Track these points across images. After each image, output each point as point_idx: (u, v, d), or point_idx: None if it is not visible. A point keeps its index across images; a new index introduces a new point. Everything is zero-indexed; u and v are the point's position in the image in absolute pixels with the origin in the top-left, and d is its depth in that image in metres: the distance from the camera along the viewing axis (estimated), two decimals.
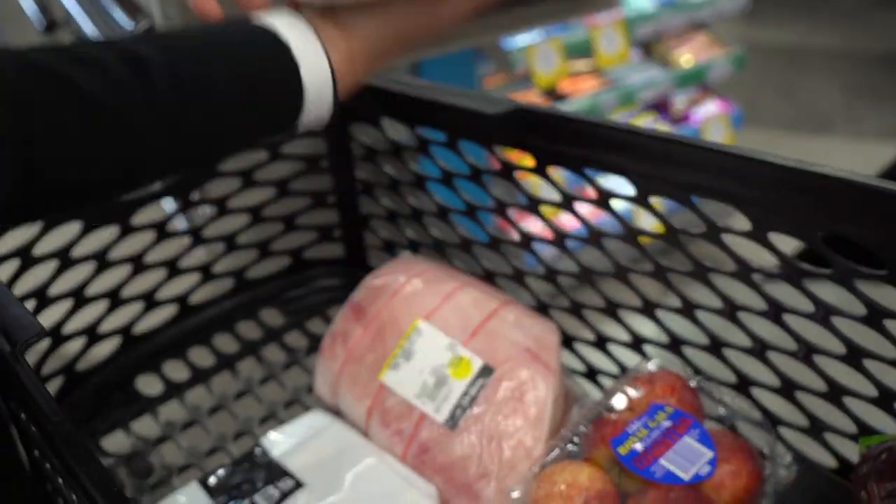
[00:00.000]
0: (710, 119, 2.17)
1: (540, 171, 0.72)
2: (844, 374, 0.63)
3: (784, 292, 0.63)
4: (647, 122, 2.15)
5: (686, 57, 2.14)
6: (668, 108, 2.20)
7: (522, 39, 1.85)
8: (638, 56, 2.18)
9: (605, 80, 2.08)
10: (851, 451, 0.63)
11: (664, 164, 0.64)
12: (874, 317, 0.59)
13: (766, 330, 0.66)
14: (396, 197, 0.87)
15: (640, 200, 0.67)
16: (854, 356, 0.61)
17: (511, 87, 2.04)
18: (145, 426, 0.77)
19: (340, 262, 0.94)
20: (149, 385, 0.81)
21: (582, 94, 2.03)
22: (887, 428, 0.61)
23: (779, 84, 2.85)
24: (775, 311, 0.64)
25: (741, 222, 0.62)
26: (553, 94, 2.07)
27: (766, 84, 2.82)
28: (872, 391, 0.62)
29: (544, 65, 1.90)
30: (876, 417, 0.62)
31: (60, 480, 0.50)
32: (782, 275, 0.62)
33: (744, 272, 0.64)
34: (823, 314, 0.61)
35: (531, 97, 2.04)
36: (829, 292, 0.61)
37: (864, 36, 3.11)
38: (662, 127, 2.14)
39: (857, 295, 0.59)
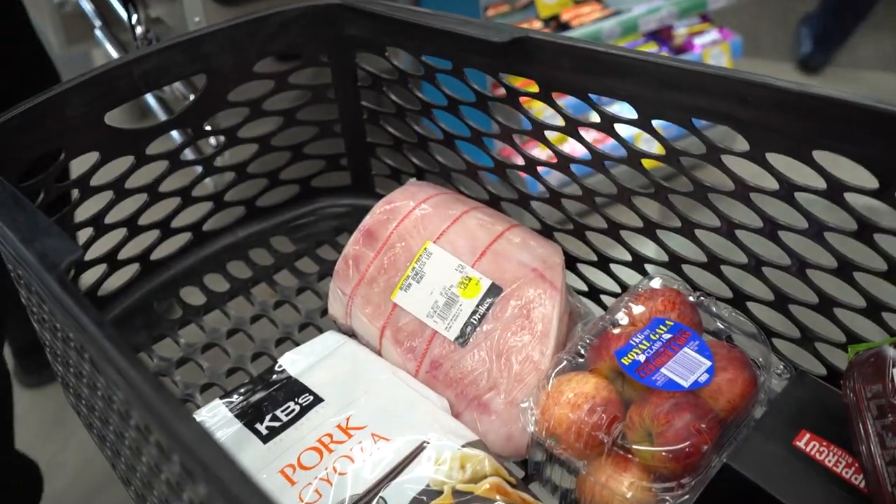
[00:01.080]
0: (710, 47, 2.18)
1: (545, 97, 0.74)
2: (835, 287, 0.66)
3: (779, 210, 0.66)
4: (649, 51, 2.15)
5: None
6: (669, 37, 2.20)
7: None
8: None
9: (607, 9, 2.08)
10: (840, 360, 0.67)
11: (666, 87, 0.66)
12: (864, 231, 0.62)
13: (761, 247, 0.70)
14: (402, 125, 0.89)
15: (643, 124, 0.69)
16: (844, 269, 0.65)
17: (513, 16, 2.04)
18: (167, 349, 0.81)
19: (348, 190, 0.96)
20: (167, 310, 0.84)
21: (584, 23, 2.03)
22: (875, 336, 0.64)
23: (777, 13, 2.84)
24: (771, 229, 0.67)
25: (740, 144, 0.64)
26: (555, 22, 2.06)
27: (765, 14, 2.81)
28: (861, 302, 0.65)
29: None
30: (864, 327, 0.66)
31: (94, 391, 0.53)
32: (778, 193, 0.65)
33: (741, 192, 0.67)
34: (817, 230, 0.64)
35: (533, 26, 2.03)
36: (822, 209, 0.64)
37: None
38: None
39: (848, 211, 0.62)
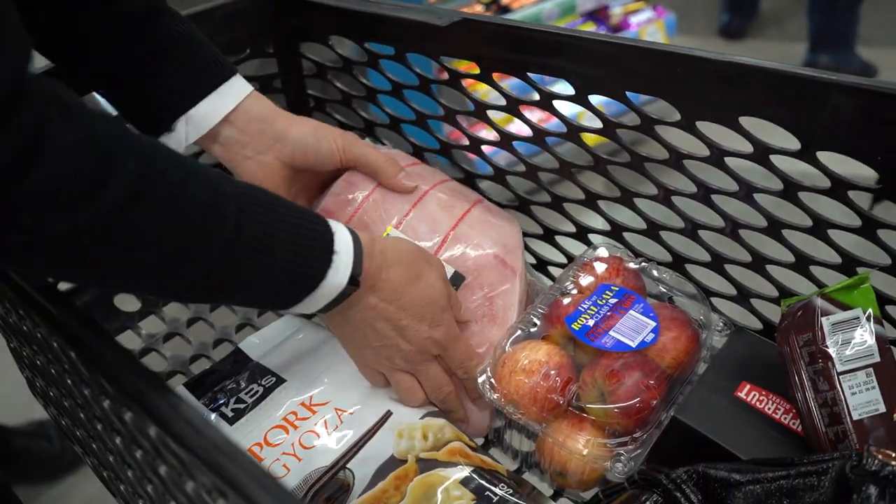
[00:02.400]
0: (645, 25, 2.23)
1: (485, 78, 0.77)
2: (766, 245, 0.71)
3: (710, 175, 0.70)
4: (587, 30, 2.20)
5: None
6: (606, 16, 2.25)
7: None
8: None
9: None
10: (775, 314, 0.71)
11: (599, 63, 0.69)
12: (790, 190, 0.66)
13: (696, 211, 0.73)
14: (349, 111, 0.91)
15: (580, 99, 0.72)
16: (773, 228, 0.69)
17: (456, 1, 2.07)
18: (128, 340, 0.82)
19: None
20: (127, 303, 0.85)
21: (524, 5, 2.07)
22: (804, 290, 0.69)
23: None
24: (704, 193, 0.71)
25: (672, 114, 0.68)
26: (496, 6, 2.10)
27: None
28: (790, 258, 0.69)
29: None
30: (794, 281, 0.70)
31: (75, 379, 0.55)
32: (709, 158, 0.69)
33: (675, 160, 0.70)
34: (746, 192, 0.68)
35: (475, 10, 2.06)
36: (750, 170, 0.68)
37: None
38: None
39: (774, 171, 0.66)
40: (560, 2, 2.10)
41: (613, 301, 0.71)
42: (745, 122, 0.64)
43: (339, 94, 0.89)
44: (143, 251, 0.47)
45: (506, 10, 2.10)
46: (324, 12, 0.83)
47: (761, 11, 2.82)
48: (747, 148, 0.65)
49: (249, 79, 0.88)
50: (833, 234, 0.66)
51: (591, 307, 0.70)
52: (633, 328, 0.68)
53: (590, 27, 2.24)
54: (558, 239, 0.83)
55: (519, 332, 0.71)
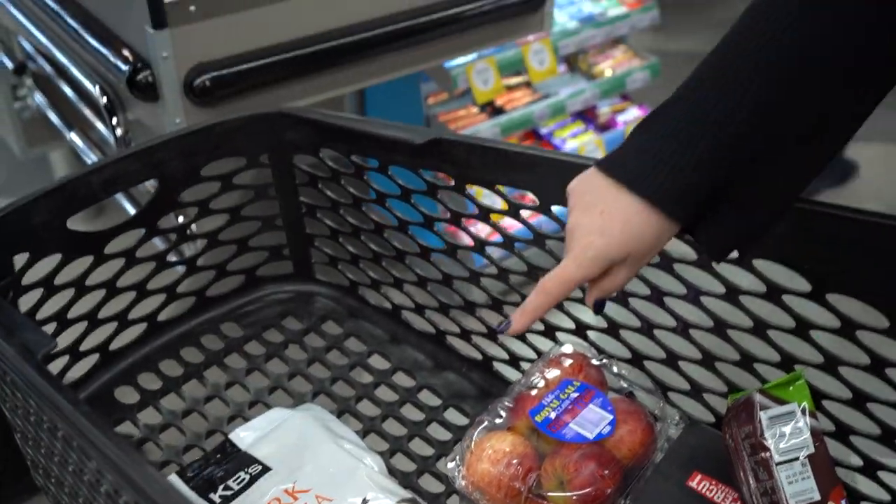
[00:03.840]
0: (632, 124, 2.34)
1: (459, 188, 0.85)
2: (715, 344, 0.77)
3: (662, 279, 0.77)
4: (576, 129, 2.31)
5: (607, 69, 2.30)
6: (594, 116, 2.36)
7: (461, 59, 1.98)
8: (565, 70, 2.34)
9: (537, 93, 2.24)
10: (724, 407, 0.77)
11: (560, 178, 0.77)
12: (731, 294, 0.73)
13: (651, 311, 0.80)
14: (338, 217, 0.98)
15: (544, 210, 0.80)
16: (720, 328, 0.75)
17: (452, 103, 2.18)
18: (126, 430, 0.88)
19: (290, 278, 1.05)
20: (126, 395, 0.91)
21: (517, 107, 2.18)
22: (748, 384, 0.75)
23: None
24: (657, 296, 0.78)
25: None
26: (491, 107, 2.21)
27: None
28: (736, 356, 0.76)
29: (482, 82, 2.03)
30: (740, 377, 0.76)
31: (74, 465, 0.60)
32: (660, 264, 0.76)
33: None
34: (694, 294, 0.75)
35: (471, 111, 2.18)
36: (697, 276, 0.74)
37: None
38: (590, 134, 2.30)
39: (717, 277, 0.73)
40: (550, 102, 2.21)
41: (575, 395, 0.77)
42: None
43: (328, 201, 0.97)
44: None
45: (500, 111, 2.21)
46: (315, 127, 0.91)
47: None
48: (692, 256, 0.72)
49: (246, 187, 0.96)
50: (772, 333, 0.73)
51: (554, 401, 0.76)
52: (591, 421, 0.74)
53: (579, 126, 2.35)
54: (529, 336, 0.90)
55: (486, 423, 0.76)
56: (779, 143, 0.55)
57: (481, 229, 0.94)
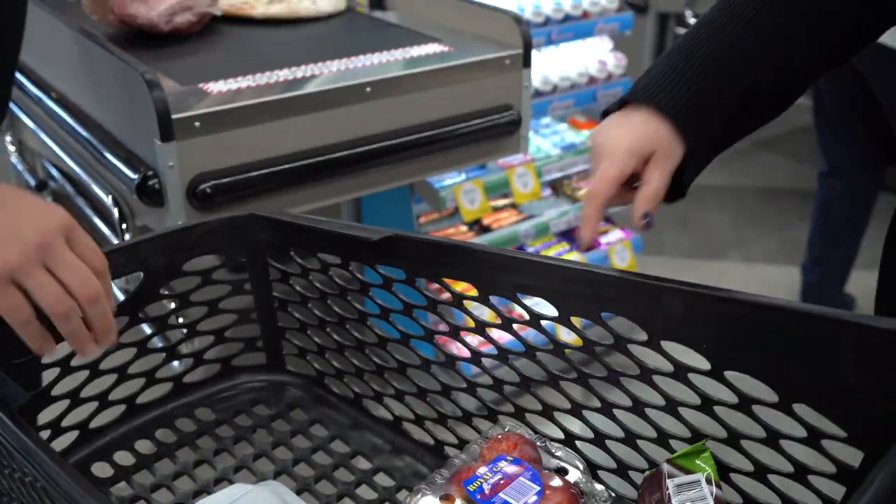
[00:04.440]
0: (614, 244, 2.46)
1: (410, 282, 0.94)
2: (634, 422, 0.84)
3: (575, 355, 0.85)
4: (561, 249, 2.42)
5: None
6: (578, 237, 2.48)
7: (450, 180, 2.12)
8: (550, 193, 2.48)
9: (522, 213, 2.37)
10: None
11: (497, 271, 0.87)
12: (644, 375, 0.81)
13: (575, 392, 0.88)
14: (306, 311, 1.08)
15: (481, 299, 0.89)
16: (637, 407, 0.83)
17: (441, 222, 2.31)
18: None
19: (263, 368, 1.13)
20: (101, 470, 0.98)
21: (503, 226, 2.30)
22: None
23: (677, 217, 3.18)
24: (584, 379, 0.86)
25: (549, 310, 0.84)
26: (478, 226, 2.33)
27: (667, 218, 3.15)
28: (653, 433, 0.83)
29: (468, 201, 2.16)
30: (656, 452, 0.83)
31: None
32: (585, 349, 0.84)
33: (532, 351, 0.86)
34: (615, 377, 0.83)
35: (459, 230, 2.30)
36: (616, 360, 0.83)
37: (748, 173, 3.51)
38: (574, 254, 2.41)
39: (632, 358, 0.81)
40: (535, 223, 2.33)
41: (507, 469, 0.83)
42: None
43: (298, 296, 1.06)
44: None
45: (487, 229, 2.34)
46: (285, 228, 1.02)
47: (724, 235, 3.07)
48: (609, 340, 0.81)
49: (224, 282, 1.06)
50: (682, 410, 0.80)
51: (488, 473, 0.83)
52: (520, 492, 0.81)
53: (563, 246, 2.46)
54: (475, 421, 0.97)
55: (423, 491, 0.83)
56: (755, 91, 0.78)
57: (433, 321, 1.03)
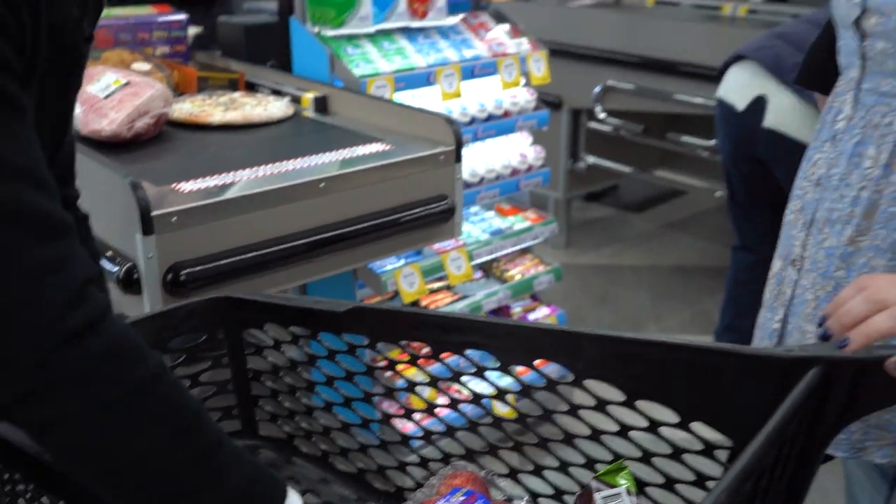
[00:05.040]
0: (540, 321, 2.65)
1: (372, 346, 1.10)
2: (566, 452, 1.01)
3: (525, 405, 1.02)
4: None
5: (517, 273, 2.64)
6: (508, 315, 2.66)
7: (391, 266, 2.29)
8: (481, 275, 2.67)
9: (456, 294, 2.55)
10: None
11: (446, 332, 1.04)
12: (573, 410, 0.98)
13: (518, 432, 1.04)
14: (278, 379, 1.22)
15: (436, 357, 1.06)
16: (568, 439, 1.00)
17: (384, 305, 2.46)
18: None
19: (238, 434, 1.26)
20: None
21: (439, 307, 2.47)
22: None
23: (598, 295, 3.42)
24: (523, 418, 1.03)
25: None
26: (416, 306, 2.50)
27: (588, 296, 3.38)
28: (581, 459, 1.00)
29: (408, 285, 2.33)
30: (587, 476, 1.00)
31: None
32: (524, 391, 1.01)
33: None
34: (548, 415, 1.00)
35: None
36: (545, 397, 1.00)
37: (663, 253, 3.80)
38: None
39: (560, 397, 0.98)
40: (468, 303, 2.51)
41: (461, 499, 0.99)
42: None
43: (270, 366, 1.21)
44: (153, 430, 0.74)
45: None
46: (259, 307, 1.17)
47: (641, 309, 3.30)
48: (542, 382, 0.98)
49: (202, 358, 1.20)
50: (604, 437, 0.98)
51: (444, 502, 0.98)
52: None
53: None
54: (432, 465, 1.12)
55: None
56: None
57: (392, 378, 1.18)
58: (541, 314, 2.69)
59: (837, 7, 1.05)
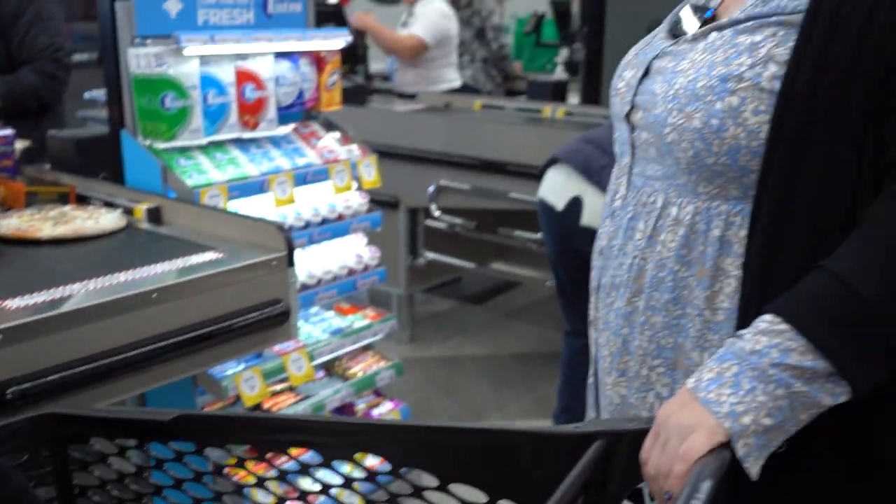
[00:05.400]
0: (385, 415, 2.70)
1: (199, 452, 1.13)
2: None
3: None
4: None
5: (359, 371, 2.69)
6: (353, 412, 2.70)
7: (231, 370, 2.28)
8: (323, 374, 2.70)
9: (299, 395, 2.57)
10: None
11: (272, 432, 1.08)
12: (391, 500, 1.04)
13: None
14: (105, 493, 1.22)
15: (261, 457, 1.10)
16: None
17: (225, 408, 2.44)
18: None
19: None
20: None
21: (282, 408, 2.48)
22: None
23: (442, 387, 3.52)
24: None
25: None
26: (259, 411, 2.49)
27: (433, 388, 3.47)
28: None
29: (249, 388, 2.33)
30: None
31: None
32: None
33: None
34: None
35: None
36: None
37: (502, 341, 3.96)
38: None
39: (378, 484, 1.04)
40: (312, 402, 2.53)
41: None
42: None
43: (97, 480, 1.21)
44: None
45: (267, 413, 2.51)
46: (84, 421, 1.18)
47: (484, 398, 3.42)
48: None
49: (29, 477, 1.19)
50: None
51: None
52: None
53: None
54: None
55: None
56: None
57: (224, 484, 1.21)
58: (385, 409, 2.74)
59: (613, 105, 1.22)
